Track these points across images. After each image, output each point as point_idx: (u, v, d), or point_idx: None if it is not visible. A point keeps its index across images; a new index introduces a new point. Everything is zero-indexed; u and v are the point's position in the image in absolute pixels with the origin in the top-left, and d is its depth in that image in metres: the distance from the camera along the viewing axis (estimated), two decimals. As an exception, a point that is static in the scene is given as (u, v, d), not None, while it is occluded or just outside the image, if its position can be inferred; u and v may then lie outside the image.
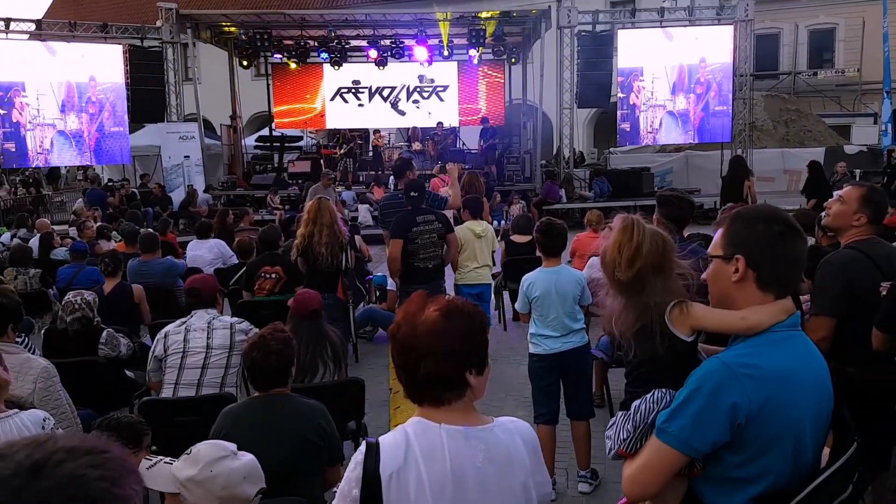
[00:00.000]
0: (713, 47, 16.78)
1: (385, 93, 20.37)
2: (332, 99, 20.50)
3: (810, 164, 12.86)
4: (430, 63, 18.66)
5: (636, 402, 1.86)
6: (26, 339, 3.99)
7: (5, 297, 3.46)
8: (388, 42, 18.25)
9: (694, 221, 3.75)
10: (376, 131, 20.34)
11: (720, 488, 1.72)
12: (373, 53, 18.24)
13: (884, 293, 2.79)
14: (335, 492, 1.66)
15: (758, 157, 18.27)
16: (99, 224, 10.77)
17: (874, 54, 21.69)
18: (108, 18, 19.66)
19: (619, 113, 17.01)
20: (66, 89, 15.90)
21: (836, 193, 3.22)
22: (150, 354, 4.00)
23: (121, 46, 16.64)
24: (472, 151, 19.11)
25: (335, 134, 20.34)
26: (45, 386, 3.29)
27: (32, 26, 16.24)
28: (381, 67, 18.70)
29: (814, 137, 21.97)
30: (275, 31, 18.14)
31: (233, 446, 2.44)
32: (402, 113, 20.44)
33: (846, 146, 20.68)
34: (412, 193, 5.65)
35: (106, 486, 0.78)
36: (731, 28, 16.77)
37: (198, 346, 3.83)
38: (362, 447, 1.60)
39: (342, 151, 18.79)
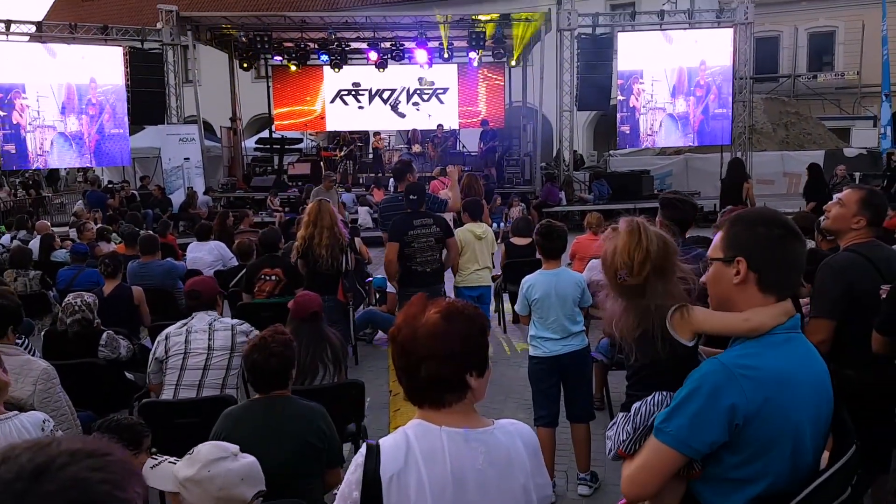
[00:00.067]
0: (713, 50, 16.81)
1: (385, 95, 20.39)
2: (333, 101, 20.52)
3: (810, 166, 12.87)
4: (430, 65, 18.69)
5: (636, 404, 1.86)
6: (26, 340, 3.99)
7: (5, 299, 3.46)
8: (388, 44, 18.27)
9: (694, 224, 3.75)
10: (376, 133, 20.35)
11: (718, 489, 1.73)
12: (373, 56, 18.27)
13: (884, 296, 2.80)
14: (335, 494, 1.66)
15: (757, 159, 18.29)
16: (99, 226, 10.78)
17: (874, 57, 21.70)
18: (108, 20, 19.70)
19: (618, 115, 17.04)
20: (66, 91, 15.92)
21: (835, 196, 3.22)
22: (151, 356, 4.01)
23: (121, 48, 16.66)
24: (472, 154, 19.13)
25: (335, 136, 20.36)
26: (45, 388, 3.28)
27: (33, 28, 16.25)
28: (381, 70, 18.73)
29: (813, 140, 21.99)
30: (275, 34, 18.16)
31: (235, 448, 2.45)
32: (402, 115, 20.45)
33: (846, 149, 20.70)
34: (411, 196, 5.63)
35: (108, 489, 0.78)
36: (730, 31, 16.80)
37: (199, 348, 3.84)
38: (363, 449, 1.60)
39: (342, 154, 18.80)
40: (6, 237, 10.93)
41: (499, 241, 7.58)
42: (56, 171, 24.03)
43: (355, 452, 1.64)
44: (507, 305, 7.47)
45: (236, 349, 3.86)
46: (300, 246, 5.62)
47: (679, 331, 1.84)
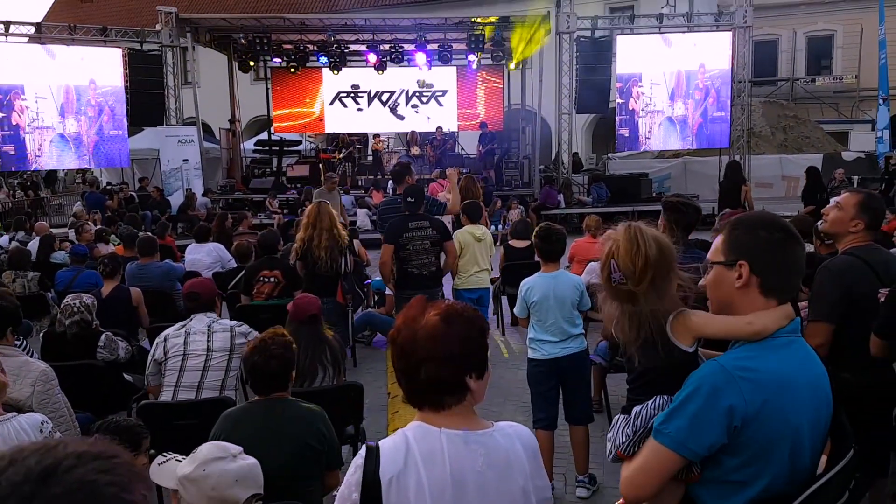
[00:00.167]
0: (712, 53, 16.83)
1: (384, 97, 20.41)
2: (332, 103, 20.53)
3: (808, 170, 12.90)
4: (429, 68, 18.71)
5: (637, 408, 1.86)
6: (25, 342, 3.99)
7: (4, 300, 3.46)
8: (387, 47, 18.30)
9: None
10: (375, 136, 20.37)
11: (717, 491, 1.73)
12: (372, 58, 18.29)
13: (882, 300, 2.80)
14: (334, 496, 1.66)
15: (756, 163, 18.30)
16: (97, 227, 10.77)
17: (872, 61, 21.77)
18: (107, 22, 19.70)
19: (617, 118, 17.05)
20: (65, 92, 15.91)
21: (833, 200, 3.23)
22: (150, 358, 4.00)
23: (120, 50, 16.65)
24: (471, 156, 19.14)
25: (334, 138, 20.37)
26: (44, 389, 3.29)
27: (32, 29, 16.23)
28: (381, 72, 18.75)
29: (812, 144, 22.03)
30: (274, 36, 18.18)
31: (237, 449, 2.46)
32: (401, 117, 20.47)
33: (844, 153, 20.74)
34: (409, 199, 5.62)
35: (115, 491, 0.78)
36: (729, 34, 16.82)
37: (198, 349, 3.84)
38: (362, 451, 1.60)
39: (341, 156, 18.82)
40: (5, 238, 10.92)
41: (497, 243, 7.58)
42: (55, 172, 23.98)
43: (354, 454, 1.64)
44: (505, 308, 7.48)
45: (235, 351, 3.86)
46: (299, 248, 5.63)
47: (679, 336, 1.83)
